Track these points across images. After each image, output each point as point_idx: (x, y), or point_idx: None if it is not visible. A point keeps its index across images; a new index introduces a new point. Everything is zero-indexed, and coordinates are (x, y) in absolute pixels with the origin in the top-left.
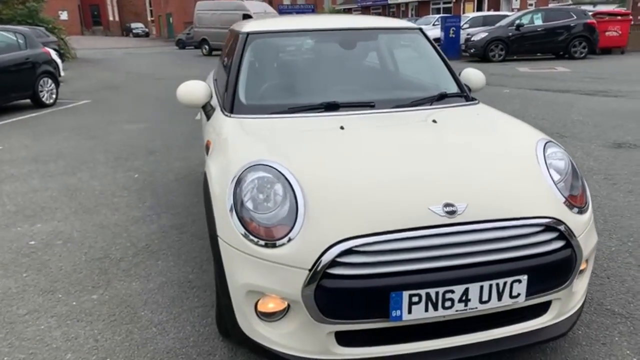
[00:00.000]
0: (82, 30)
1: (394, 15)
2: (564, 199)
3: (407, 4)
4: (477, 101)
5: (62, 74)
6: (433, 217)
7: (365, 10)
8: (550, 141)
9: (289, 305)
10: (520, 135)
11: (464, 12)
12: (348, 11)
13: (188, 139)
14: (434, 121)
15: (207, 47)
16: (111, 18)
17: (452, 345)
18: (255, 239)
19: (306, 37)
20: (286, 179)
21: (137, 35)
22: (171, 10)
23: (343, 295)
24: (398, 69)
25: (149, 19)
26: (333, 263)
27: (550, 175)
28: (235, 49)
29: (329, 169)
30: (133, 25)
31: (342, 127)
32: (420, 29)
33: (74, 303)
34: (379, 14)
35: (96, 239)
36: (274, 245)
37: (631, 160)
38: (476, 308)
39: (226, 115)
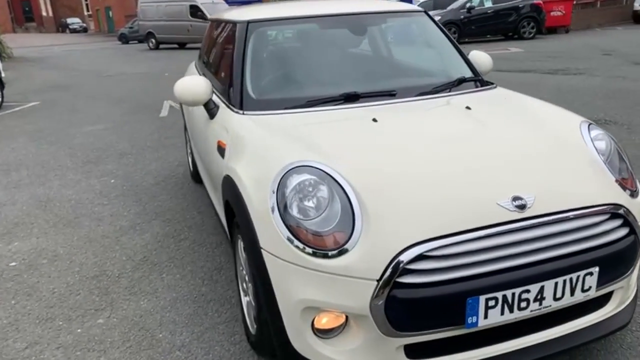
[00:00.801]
0: (13, 27)
1: None
2: (617, 183)
3: None
4: (494, 85)
5: (2, 74)
6: (503, 213)
7: None
8: (591, 123)
9: (347, 318)
10: (562, 119)
11: None
12: None
13: (157, 138)
14: (468, 108)
15: (153, 40)
16: (44, 13)
17: (523, 347)
18: (311, 250)
19: (311, 24)
20: (335, 180)
21: (74, 31)
22: (110, 3)
23: (416, 305)
24: (410, 54)
25: (86, 13)
26: (403, 271)
27: (601, 158)
28: (233, 39)
29: (378, 166)
30: (69, 20)
31: (374, 120)
32: (425, 12)
33: (79, 330)
34: None
35: (86, 255)
36: (332, 256)
37: None
38: (550, 306)
39: (237, 112)
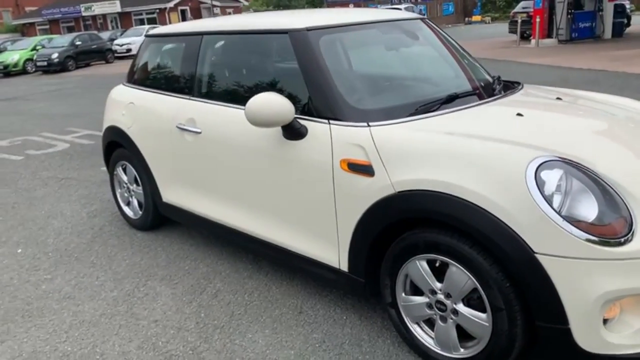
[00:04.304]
0: None
1: (90, 27)
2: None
3: (104, 15)
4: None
5: None
6: None
7: (54, 23)
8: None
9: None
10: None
11: (169, 22)
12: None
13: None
14: (559, 98)
15: None
16: None
17: None
18: (610, 240)
19: (370, 30)
20: (583, 170)
21: None
22: None
23: None
24: (455, 57)
25: None
26: None
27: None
28: (288, 50)
29: (602, 152)
30: None
31: (519, 114)
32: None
33: None
34: (72, 27)
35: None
36: (624, 242)
37: None
38: None
39: (358, 126)
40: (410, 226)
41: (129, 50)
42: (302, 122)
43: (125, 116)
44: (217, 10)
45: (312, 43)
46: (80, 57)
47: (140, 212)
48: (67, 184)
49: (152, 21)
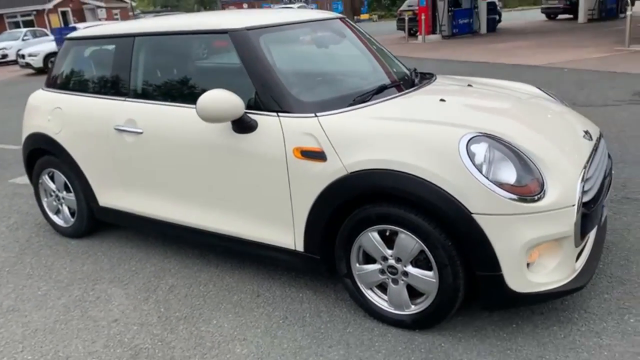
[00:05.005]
0: None
1: None
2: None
3: None
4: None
5: None
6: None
7: None
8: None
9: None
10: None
11: (50, 25)
12: None
13: None
14: (470, 85)
15: None
16: None
17: None
18: (528, 197)
19: (302, 29)
20: (504, 142)
21: None
22: None
23: (588, 217)
24: (374, 53)
25: None
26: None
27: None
28: (230, 48)
29: (515, 127)
30: None
31: (442, 100)
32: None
33: None
34: None
35: None
36: (539, 199)
37: None
38: None
39: (307, 117)
40: (360, 203)
41: (4, 55)
42: (252, 116)
43: (52, 121)
44: (102, 12)
45: (253, 42)
46: None
47: (72, 220)
48: None
49: (28, 24)
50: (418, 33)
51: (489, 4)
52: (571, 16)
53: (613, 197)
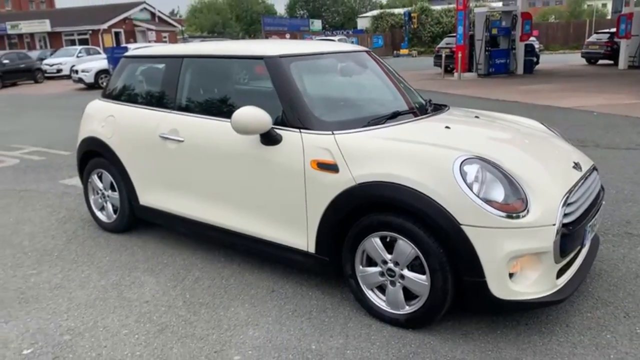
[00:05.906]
0: None
1: (15, 46)
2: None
3: (32, 34)
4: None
5: None
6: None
7: None
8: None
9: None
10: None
11: (103, 44)
12: None
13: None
14: (477, 117)
15: None
16: None
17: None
18: (512, 214)
19: (330, 59)
20: (494, 165)
21: None
22: None
23: (568, 237)
24: (395, 83)
25: None
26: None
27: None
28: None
29: (507, 153)
30: None
31: (447, 127)
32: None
33: None
34: None
35: None
36: (522, 216)
37: None
38: None
39: (324, 134)
40: (366, 211)
41: (59, 70)
42: (278, 131)
43: (105, 127)
44: (152, 35)
45: (284, 67)
46: (7, 76)
47: (115, 216)
48: (27, 195)
49: (84, 42)
50: (454, 70)
51: (527, 45)
52: (612, 62)
53: (615, 232)
